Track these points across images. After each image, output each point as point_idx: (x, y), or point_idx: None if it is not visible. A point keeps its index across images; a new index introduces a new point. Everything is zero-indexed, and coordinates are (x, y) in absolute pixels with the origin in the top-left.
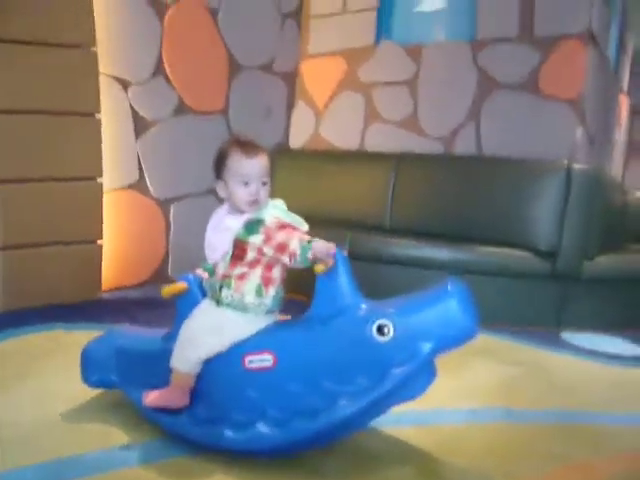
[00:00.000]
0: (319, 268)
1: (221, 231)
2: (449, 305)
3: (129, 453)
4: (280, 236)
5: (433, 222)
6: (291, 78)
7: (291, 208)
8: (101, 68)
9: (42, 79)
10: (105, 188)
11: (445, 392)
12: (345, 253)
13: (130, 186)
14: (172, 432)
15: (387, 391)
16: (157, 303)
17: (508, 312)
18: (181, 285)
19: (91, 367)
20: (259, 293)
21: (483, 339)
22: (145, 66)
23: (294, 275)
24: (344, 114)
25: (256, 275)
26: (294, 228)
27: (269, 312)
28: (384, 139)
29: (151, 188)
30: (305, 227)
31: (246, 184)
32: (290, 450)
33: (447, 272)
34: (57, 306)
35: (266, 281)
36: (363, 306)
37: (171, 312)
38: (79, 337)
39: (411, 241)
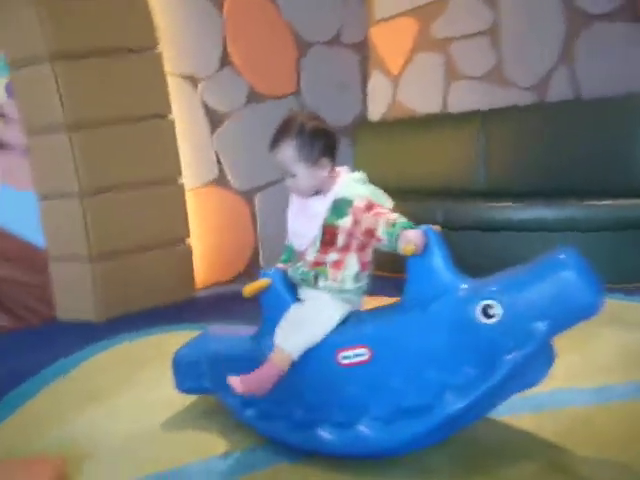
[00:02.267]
0: (409, 249)
1: (307, 217)
2: (565, 277)
3: (228, 463)
4: (367, 220)
5: (532, 180)
6: (362, 47)
7: (376, 182)
8: (168, 68)
9: (110, 88)
10: (187, 187)
11: (564, 369)
12: (437, 230)
13: (211, 182)
14: (269, 437)
15: (500, 381)
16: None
17: (630, 270)
18: (263, 282)
19: (183, 373)
20: (357, 279)
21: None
22: (211, 59)
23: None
24: (422, 76)
25: (353, 261)
26: (382, 208)
27: (364, 293)
28: (468, 97)
29: (232, 181)
30: (390, 204)
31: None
32: (395, 452)
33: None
34: (154, 309)
35: (363, 266)
36: (464, 286)
37: None
38: (179, 339)
39: (511, 203)
